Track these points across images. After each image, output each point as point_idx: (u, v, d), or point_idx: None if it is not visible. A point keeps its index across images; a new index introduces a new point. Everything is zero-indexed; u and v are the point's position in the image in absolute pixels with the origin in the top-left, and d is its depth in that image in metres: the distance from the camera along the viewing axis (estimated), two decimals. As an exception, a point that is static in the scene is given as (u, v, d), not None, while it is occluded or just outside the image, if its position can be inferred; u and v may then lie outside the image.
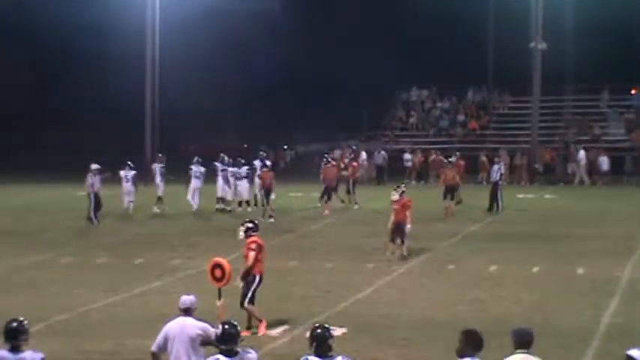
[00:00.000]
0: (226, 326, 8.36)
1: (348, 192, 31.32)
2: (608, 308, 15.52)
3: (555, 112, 49.04)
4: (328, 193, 29.67)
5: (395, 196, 20.33)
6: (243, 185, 29.61)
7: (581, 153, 41.75)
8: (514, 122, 49.53)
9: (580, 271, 19.06)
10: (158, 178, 30.27)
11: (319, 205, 30.10)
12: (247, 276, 13.84)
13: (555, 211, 30.48)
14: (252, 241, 13.86)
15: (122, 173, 29.70)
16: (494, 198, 29.50)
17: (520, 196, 34.41)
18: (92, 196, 27.24)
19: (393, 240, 20.26)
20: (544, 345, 11.83)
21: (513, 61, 46.06)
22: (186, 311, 9.49)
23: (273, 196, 28.01)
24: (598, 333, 13.87)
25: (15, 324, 8.40)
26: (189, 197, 29.59)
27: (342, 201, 31.09)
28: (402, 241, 20.24)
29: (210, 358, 8.35)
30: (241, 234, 14.11)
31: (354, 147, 47.75)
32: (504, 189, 30.40)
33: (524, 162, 42.20)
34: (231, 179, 29.80)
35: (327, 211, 29.18)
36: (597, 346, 13.19)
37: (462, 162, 33.94)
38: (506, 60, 47.82)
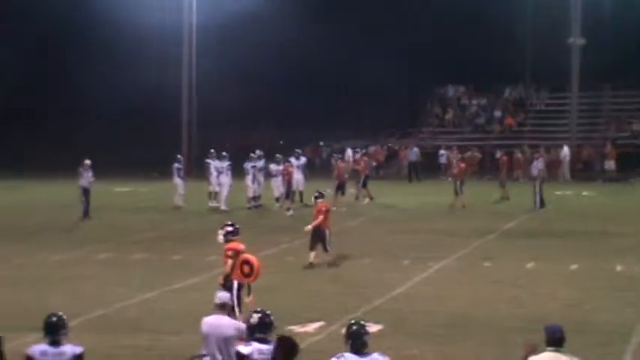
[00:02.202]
0: (260, 315, 8.41)
1: (364, 186, 31.58)
2: (648, 306, 15.38)
3: (594, 109, 48.56)
4: (342, 188, 30.15)
5: (313, 201, 19.64)
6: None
7: (565, 149, 41.64)
8: (552, 119, 49.20)
9: (619, 268, 18.89)
10: (213, 174, 30.35)
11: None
12: (227, 282, 13.30)
13: (593, 208, 30.22)
14: (229, 248, 13.39)
15: (176, 166, 30.14)
16: (538, 194, 29.35)
17: (558, 193, 34.15)
18: (82, 191, 27.55)
19: (312, 247, 19.14)
20: (583, 343, 11.77)
21: (551, 57, 45.63)
22: (222, 307, 9.51)
23: (281, 190, 29.64)
24: (637, 330, 13.74)
25: (54, 318, 8.53)
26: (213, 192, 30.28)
27: (357, 197, 31.67)
28: (325, 248, 19.15)
29: (244, 344, 8.41)
30: (220, 237, 13.65)
31: (389, 144, 47.77)
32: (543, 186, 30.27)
33: (564, 159, 41.95)
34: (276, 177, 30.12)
35: (339, 207, 29.55)
36: (637, 343, 13.08)
37: (505, 158, 33.79)
38: (544, 56, 47.37)
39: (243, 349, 8.36)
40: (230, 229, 13.64)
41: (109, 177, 39.45)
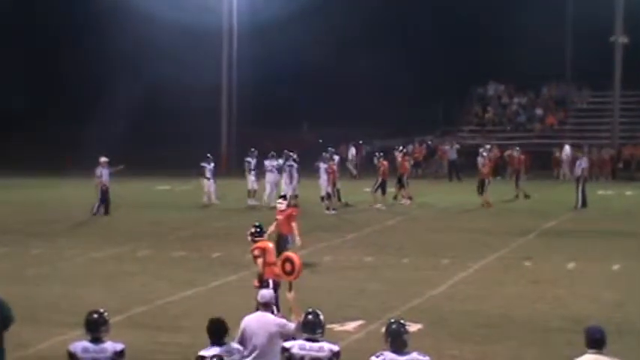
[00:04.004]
0: (310, 316, 8.46)
1: (402, 186, 31.62)
2: (692, 307, 15.16)
3: (637, 108, 48.01)
4: (383, 186, 30.19)
5: (282, 206, 17.86)
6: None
7: (567, 148, 41.34)
8: (594, 117, 48.73)
9: (662, 269, 18.67)
10: (251, 172, 30.55)
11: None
12: (262, 282, 13.29)
13: (636, 208, 29.87)
14: (255, 248, 13.43)
15: (204, 165, 30.42)
16: (580, 193, 29.16)
17: (600, 192, 33.81)
18: (100, 188, 27.72)
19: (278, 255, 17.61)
20: (624, 344, 11.64)
21: (593, 56, 45.12)
22: (266, 305, 9.53)
23: (328, 189, 29.19)
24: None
25: (96, 315, 8.59)
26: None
27: (395, 197, 31.49)
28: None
29: (292, 342, 8.48)
30: (248, 239, 13.73)
31: (429, 142, 47.58)
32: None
33: (606, 158, 41.66)
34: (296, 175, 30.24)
35: (378, 205, 29.78)
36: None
37: (522, 157, 34.02)
38: (586, 54, 46.83)
39: (287, 343, 8.56)
40: (253, 230, 13.73)
41: (149, 175, 39.86)
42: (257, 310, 9.85)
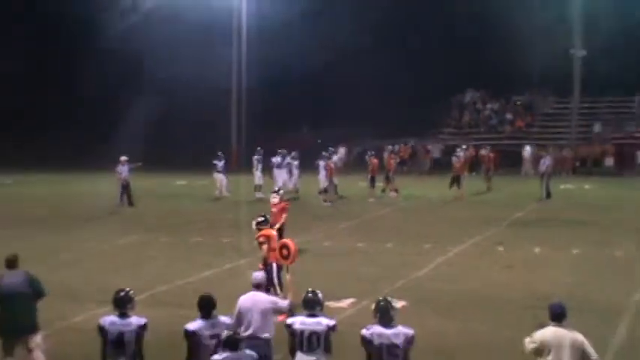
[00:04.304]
0: (310, 295, 8.52)
1: (388, 180, 31.51)
2: (642, 287, 15.17)
3: (592, 112, 48.18)
4: (372, 181, 30.41)
5: (275, 200, 17.39)
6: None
7: (527, 148, 41.55)
8: (556, 121, 48.86)
9: (617, 253, 18.66)
10: (258, 168, 30.61)
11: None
12: (266, 265, 13.35)
13: (594, 200, 29.91)
14: (260, 235, 13.48)
15: (215, 162, 30.46)
16: (544, 187, 29.29)
17: (562, 186, 33.82)
18: (120, 183, 27.73)
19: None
20: (584, 319, 11.62)
21: (557, 67, 45.17)
22: (258, 286, 9.52)
23: (325, 184, 29.10)
24: (630, 308, 13.62)
25: (122, 293, 8.66)
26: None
27: (383, 190, 31.33)
28: None
29: (294, 318, 8.50)
30: (254, 227, 13.86)
31: (411, 143, 47.50)
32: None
33: (567, 156, 41.97)
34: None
35: (372, 199, 29.68)
36: (630, 319, 12.93)
37: (491, 155, 34.15)
38: (551, 66, 46.77)
39: (289, 319, 8.56)
40: (260, 219, 13.77)
41: (169, 172, 39.88)
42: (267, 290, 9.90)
